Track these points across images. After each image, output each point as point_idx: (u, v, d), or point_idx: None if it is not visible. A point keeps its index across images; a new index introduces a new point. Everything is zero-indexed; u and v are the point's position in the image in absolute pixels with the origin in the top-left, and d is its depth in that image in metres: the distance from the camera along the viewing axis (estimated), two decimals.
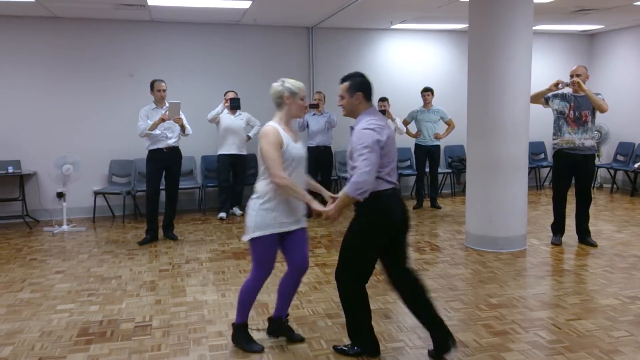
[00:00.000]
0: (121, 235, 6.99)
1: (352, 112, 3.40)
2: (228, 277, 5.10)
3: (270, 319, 3.77)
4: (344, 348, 3.53)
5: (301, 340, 3.72)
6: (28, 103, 7.91)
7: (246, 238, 3.45)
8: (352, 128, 3.36)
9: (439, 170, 8.78)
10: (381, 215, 3.29)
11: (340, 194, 3.29)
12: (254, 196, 3.46)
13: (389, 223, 3.31)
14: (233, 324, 3.65)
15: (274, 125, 3.42)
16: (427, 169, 8.58)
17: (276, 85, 3.49)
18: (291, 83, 3.48)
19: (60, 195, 7.62)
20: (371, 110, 3.37)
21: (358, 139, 3.21)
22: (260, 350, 3.56)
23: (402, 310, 4.21)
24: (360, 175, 3.12)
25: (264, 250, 3.44)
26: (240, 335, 3.62)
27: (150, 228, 6.54)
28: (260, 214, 3.39)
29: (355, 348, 3.49)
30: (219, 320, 4.07)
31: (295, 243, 3.55)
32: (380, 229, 3.30)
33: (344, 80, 3.40)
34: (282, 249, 3.56)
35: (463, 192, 9.17)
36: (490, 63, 5.69)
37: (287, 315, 3.76)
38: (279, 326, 3.73)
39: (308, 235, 3.54)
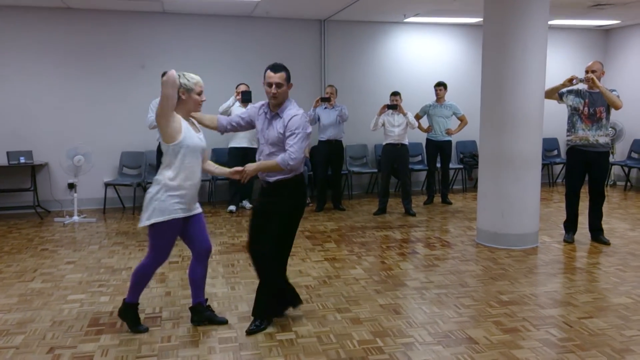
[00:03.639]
0: (131, 226, 7.02)
1: (283, 101, 3.68)
2: (238, 270, 5.10)
3: (190, 308, 3.88)
4: (254, 327, 3.73)
5: (225, 322, 3.85)
6: (40, 94, 7.95)
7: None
8: (274, 115, 3.68)
9: (451, 165, 8.73)
10: (303, 195, 3.85)
11: (269, 161, 3.63)
12: (157, 186, 3.59)
13: (304, 203, 3.87)
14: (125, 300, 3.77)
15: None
16: (439, 164, 8.54)
17: None
18: (187, 78, 3.52)
19: (71, 186, 7.66)
20: (291, 99, 3.76)
21: (299, 123, 3.57)
22: (145, 330, 3.72)
23: (412, 306, 4.20)
24: (297, 156, 3.54)
25: None
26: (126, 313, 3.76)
27: None
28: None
29: (263, 323, 3.76)
30: (228, 313, 4.06)
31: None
32: (302, 207, 3.82)
33: (279, 69, 3.62)
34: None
35: (474, 188, 9.12)
36: (505, 58, 5.63)
37: (206, 299, 3.92)
38: (201, 312, 3.85)
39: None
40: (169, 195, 3.51)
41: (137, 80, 8.22)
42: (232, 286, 4.67)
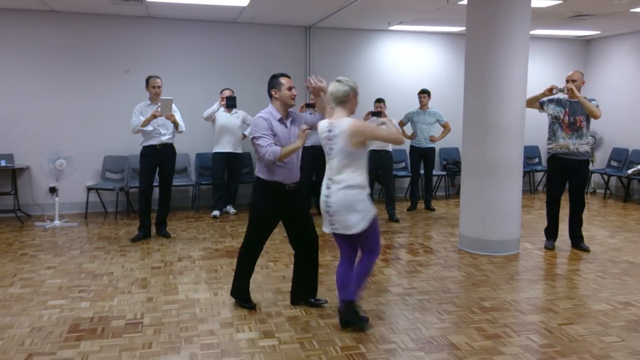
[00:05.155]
0: (113, 231, 6.95)
1: None
2: (221, 276, 5.08)
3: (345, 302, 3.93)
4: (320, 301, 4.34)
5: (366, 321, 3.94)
6: (22, 97, 7.86)
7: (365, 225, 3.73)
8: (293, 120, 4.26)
9: (434, 172, 8.78)
10: None
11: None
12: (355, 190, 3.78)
13: None
14: (345, 301, 3.83)
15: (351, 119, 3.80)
16: (422, 171, 8.59)
17: (340, 86, 3.76)
18: (353, 82, 3.83)
19: (53, 190, 7.57)
20: None
21: None
22: (367, 321, 3.90)
23: (395, 312, 4.21)
24: None
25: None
26: (353, 311, 3.86)
27: (142, 225, 6.50)
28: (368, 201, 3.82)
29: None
30: (210, 319, 4.04)
31: None
32: None
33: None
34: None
35: (457, 194, 9.19)
36: (487, 66, 5.69)
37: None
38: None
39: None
40: (367, 195, 3.80)
41: (121, 84, 8.17)
42: (215, 292, 4.65)
